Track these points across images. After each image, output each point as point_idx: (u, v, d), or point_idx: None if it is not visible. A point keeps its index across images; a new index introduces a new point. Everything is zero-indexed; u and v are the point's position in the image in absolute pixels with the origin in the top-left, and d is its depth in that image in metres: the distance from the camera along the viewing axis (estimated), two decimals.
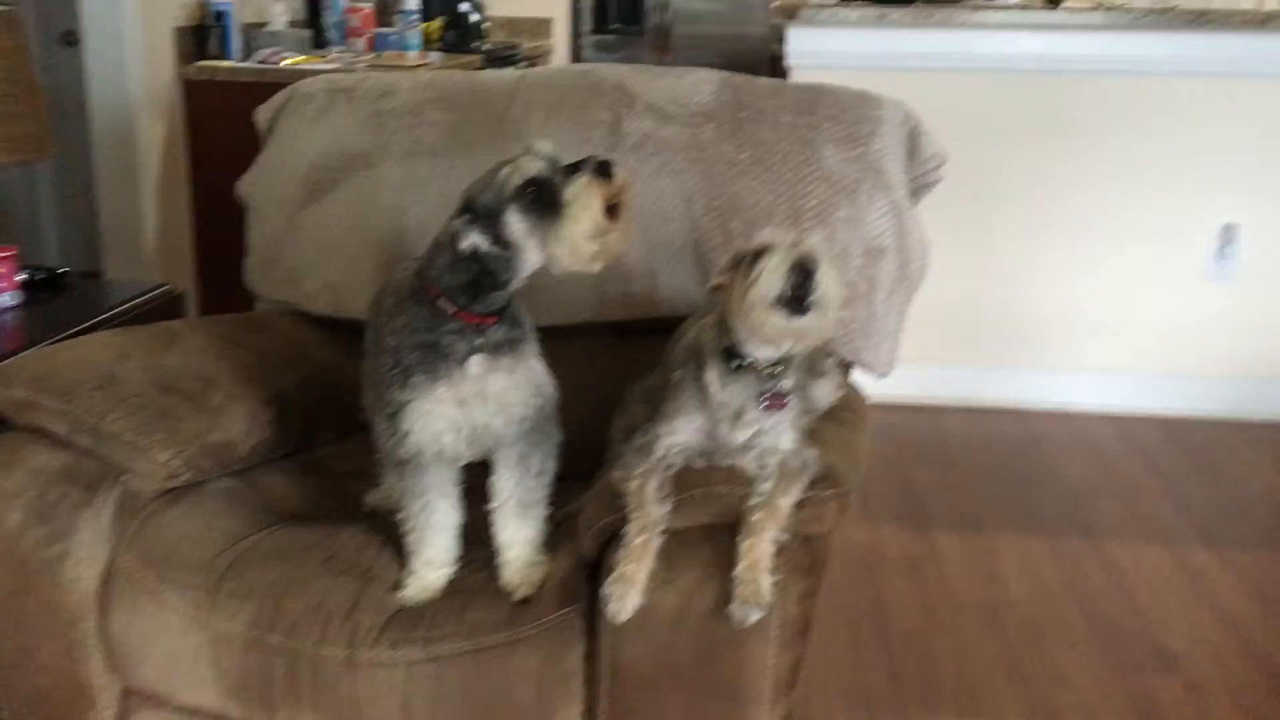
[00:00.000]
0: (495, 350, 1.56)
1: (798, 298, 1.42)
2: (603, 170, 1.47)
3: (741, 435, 1.54)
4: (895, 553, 2.82)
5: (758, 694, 1.45)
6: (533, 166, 1.48)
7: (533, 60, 6.04)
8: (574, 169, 1.48)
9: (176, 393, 1.80)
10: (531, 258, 1.52)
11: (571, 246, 1.47)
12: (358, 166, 2.19)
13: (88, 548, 1.65)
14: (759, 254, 1.46)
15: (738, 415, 1.53)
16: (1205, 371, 3.74)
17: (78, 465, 1.70)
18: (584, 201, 1.45)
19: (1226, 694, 2.29)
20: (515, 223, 1.49)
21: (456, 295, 1.54)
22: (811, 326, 1.45)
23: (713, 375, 1.54)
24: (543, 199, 1.47)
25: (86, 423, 1.70)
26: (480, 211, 1.50)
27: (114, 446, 1.69)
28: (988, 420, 3.70)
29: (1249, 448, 3.52)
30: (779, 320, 1.44)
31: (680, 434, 1.54)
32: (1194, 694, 2.28)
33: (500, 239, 1.50)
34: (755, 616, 1.41)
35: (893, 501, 3.11)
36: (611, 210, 1.48)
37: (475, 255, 1.50)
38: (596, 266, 1.51)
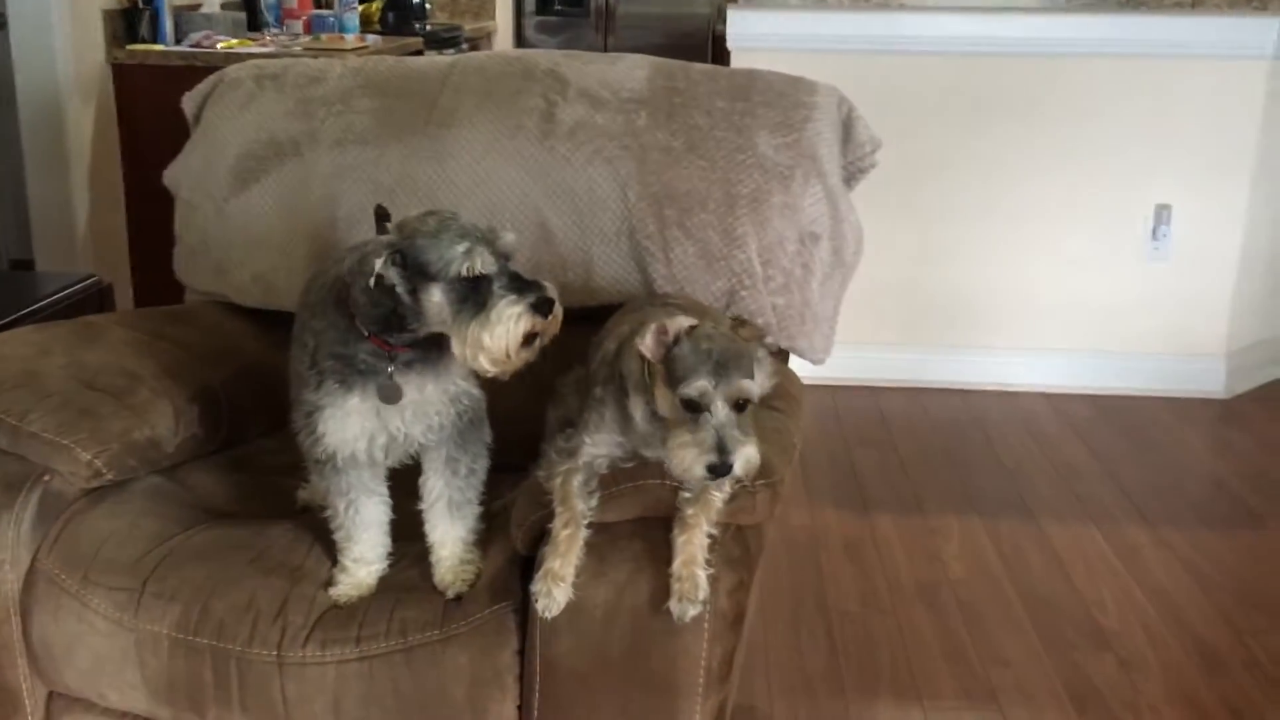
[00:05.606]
0: (408, 365, 1.53)
1: (726, 465, 1.39)
2: (542, 307, 1.43)
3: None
4: (835, 535, 2.84)
5: (690, 686, 1.45)
6: (486, 263, 1.43)
7: (475, 41, 5.99)
8: (521, 286, 1.43)
9: (99, 390, 1.77)
10: (434, 327, 1.48)
11: (471, 351, 1.43)
12: (287, 155, 2.15)
13: (9, 550, 1.62)
14: (690, 403, 1.40)
15: (663, 439, 1.51)
16: (1140, 349, 3.79)
17: None
18: (506, 327, 1.42)
19: (1159, 671, 2.33)
20: (438, 297, 1.44)
21: (369, 323, 1.51)
22: (729, 481, 1.44)
23: (637, 408, 1.50)
24: (474, 295, 1.43)
25: (5, 422, 1.66)
26: (413, 263, 1.44)
27: (34, 446, 1.66)
28: (928, 400, 3.73)
29: (1183, 424, 3.57)
30: (701, 475, 1.40)
31: (603, 447, 1.53)
32: (1126, 671, 2.32)
33: (416, 295, 1.46)
34: (694, 612, 1.41)
35: (833, 483, 3.12)
36: (530, 339, 1.44)
37: (391, 292, 1.46)
38: (487, 372, 1.48)
